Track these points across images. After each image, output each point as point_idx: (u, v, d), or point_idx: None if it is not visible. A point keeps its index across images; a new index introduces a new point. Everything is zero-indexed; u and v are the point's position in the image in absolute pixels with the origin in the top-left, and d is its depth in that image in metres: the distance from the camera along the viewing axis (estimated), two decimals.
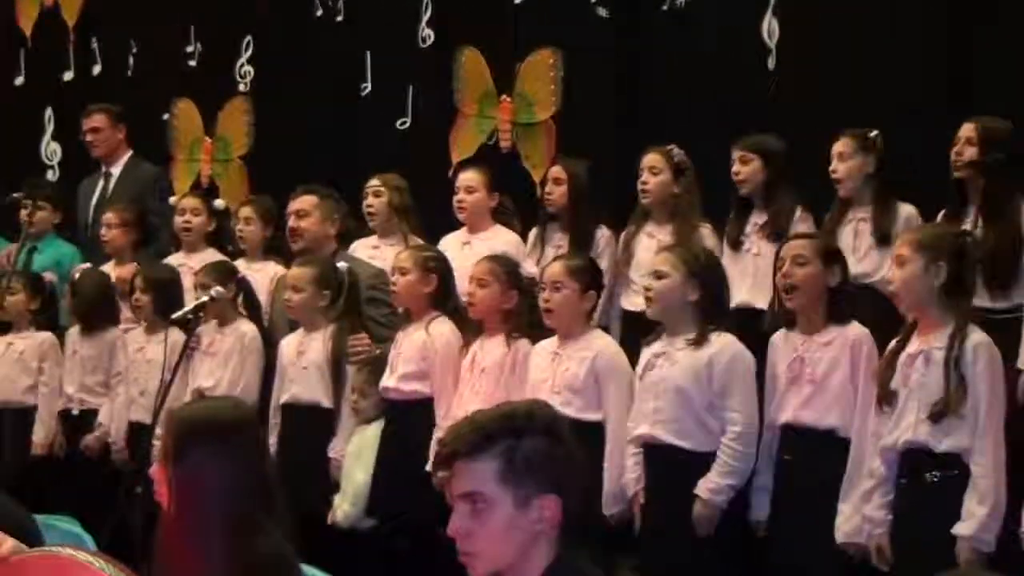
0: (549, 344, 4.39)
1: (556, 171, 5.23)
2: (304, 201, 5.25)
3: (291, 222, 5.26)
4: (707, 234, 4.87)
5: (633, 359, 4.28)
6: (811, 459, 3.96)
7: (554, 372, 4.30)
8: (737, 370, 4.04)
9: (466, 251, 5.16)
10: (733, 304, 4.34)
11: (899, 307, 3.77)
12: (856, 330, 3.99)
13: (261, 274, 5.45)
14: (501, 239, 5.23)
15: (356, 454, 4.72)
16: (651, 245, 4.84)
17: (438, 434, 4.47)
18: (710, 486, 4.00)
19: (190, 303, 4.78)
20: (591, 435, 4.13)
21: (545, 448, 2.19)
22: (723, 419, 4.03)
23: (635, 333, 4.56)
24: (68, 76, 7.43)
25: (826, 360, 3.97)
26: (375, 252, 5.35)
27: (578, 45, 5.84)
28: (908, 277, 3.67)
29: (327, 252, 5.18)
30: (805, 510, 3.94)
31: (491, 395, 4.36)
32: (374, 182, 5.42)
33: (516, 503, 2.18)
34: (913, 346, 3.69)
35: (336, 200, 5.31)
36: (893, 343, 3.76)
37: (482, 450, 2.18)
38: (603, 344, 4.36)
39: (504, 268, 4.54)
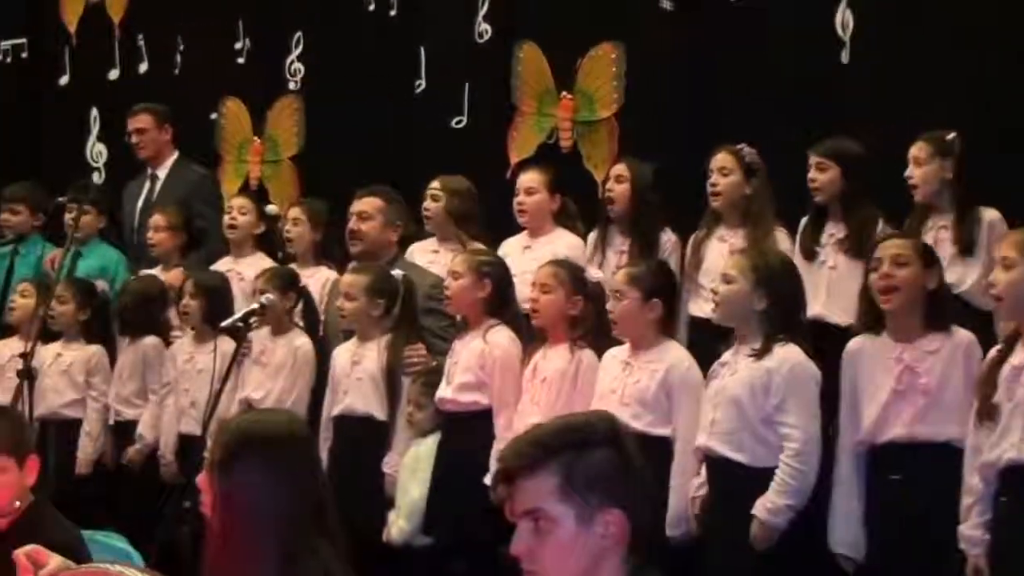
0: (620, 352, 4.37)
1: (618, 169, 5.22)
2: (368, 203, 5.28)
3: (352, 224, 5.29)
4: (782, 238, 4.82)
5: (702, 368, 4.25)
6: (929, 476, 3.85)
7: (624, 383, 4.29)
8: (797, 383, 3.97)
9: (527, 255, 5.17)
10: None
11: (1001, 313, 3.71)
12: (964, 336, 3.89)
13: (312, 280, 5.49)
14: (563, 243, 5.23)
15: (411, 469, 4.72)
16: (722, 249, 4.81)
17: (497, 448, 4.47)
18: (768, 506, 3.96)
19: (241, 310, 4.81)
20: (660, 451, 4.12)
21: (607, 461, 2.17)
22: (781, 434, 3.98)
23: (703, 340, 4.54)
24: (114, 75, 7.50)
25: (939, 369, 3.87)
26: (434, 257, 5.37)
27: (642, 39, 5.82)
28: (1015, 280, 3.59)
29: (386, 258, 5.21)
30: (924, 531, 3.83)
31: (552, 407, 4.35)
32: (434, 185, 5.44)
33: (579, 519, 2.15)
34: (1018, 357, 3.61)
35: (401, 204, 5.34)
36: (994, 353, 3.69)
37: (541, 465, 2.16)
38: (676, 357, 4.32)
39: (569, 273, 4.53)
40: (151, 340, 5.58)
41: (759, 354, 4.01)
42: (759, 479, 3.97)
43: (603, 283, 4.61)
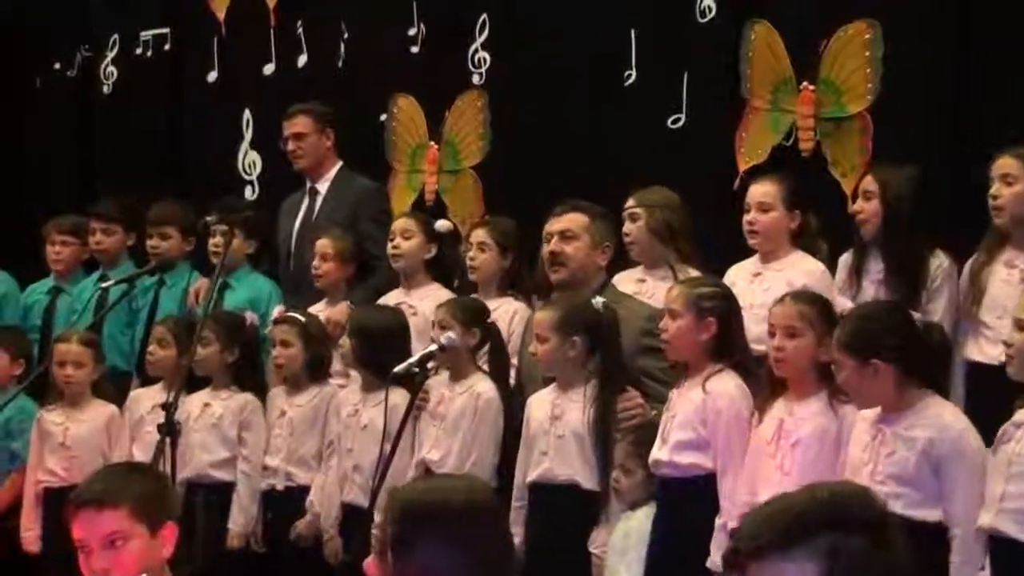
0: (871, 414, 4.29)
1: (865, 182, 5.16)
2: (571, 220, 5.29)
3: (552, 245, 5.30)
4: None
5: (987, 429, 4.13)
6: None
7: (876, 454, 4.22)
8: None
9: (757, 284, 5.15)
10: None
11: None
12: None
13: (497, 314, 5.53)
14: (801, 269, 5.17)
15: (620, 548, 4.71)
16: (1010, 278, 4.73)
17: (724, 521, 4.45)
18: None
19: (416, 352, 4.89)
20: (927, 540, 4.02)
21: (869, 552, 2.12)
22: None
23: (986, 392, 4.44)
24: (269, 69, 7.66)
25: None
26: (639, 287, 5.37)
27: (903, 16, 5.71)
28: None
29: (594, 287, 5.21)
30: None
31: (807, 476, 4.27)
32: (629, 203, 5.45)
33: None
34: None
35: (609, 222, 5.35)
36: None
37: (798, 545, 2.11)
38: (943, 420, 4.22)
39: (818, 311, 4.47)
40: (327, 389, 5.70)
41: None
42: None
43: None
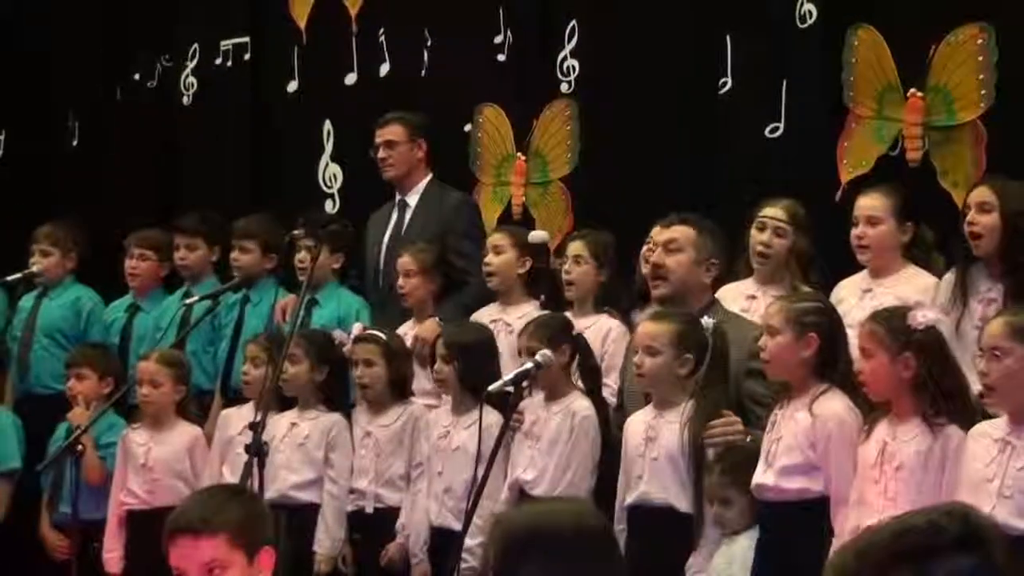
0: (995, 428, 4.23)
1: (981, 194, 5.04)
2: (678, 232, 5.19)
3: (655, 257, 5.21)
4: None
5: None
6: None
7: (1003, 468, 4.15)
8: None
9: (867, 301, 5.04)
10: None
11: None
12: None
13: (591, 331, 5.48)
14: (913, 285, 5.10)
15: (724, 575, 4.65)
16: None
17: (837, 548, 4.28)
18: None
19: (510, 371, 4.82)
20: None
21: (977, 569, 2.04)
22: None
23: None
24: (350, 79, 7.61)
25: None
26: (750, 304, 5.29)
27: (1017, 19, 5.57)
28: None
29: (699, 305, 5.10)
30: None
31: (912, 502, 4.20)
32: (776, 213, 5.34)
33: None
34: None
35: (716, 235, 5.24)
36: None
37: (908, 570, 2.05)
38: None
39: (887, 328, 4.39)
40: (414, 408, 5.66)
41: None
42: None
43: (940, 326, 4.44)
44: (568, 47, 6.86)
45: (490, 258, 5.88)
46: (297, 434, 5.76)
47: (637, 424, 4.91)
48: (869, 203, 5.21)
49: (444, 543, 5.22)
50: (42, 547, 6.27)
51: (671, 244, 5.16)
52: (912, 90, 5.79)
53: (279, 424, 5.71)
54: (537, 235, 6.03)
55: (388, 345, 5.70)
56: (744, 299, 5.30)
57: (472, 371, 5.25)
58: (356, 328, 5.92)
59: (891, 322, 4.42)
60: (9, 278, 7.13)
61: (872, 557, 2.09)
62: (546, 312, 5.56)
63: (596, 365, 5.32)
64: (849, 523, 4.35)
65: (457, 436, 5.37)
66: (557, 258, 5.94)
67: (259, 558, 3.17)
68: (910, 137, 5.79)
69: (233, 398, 6.27)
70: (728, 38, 6.32)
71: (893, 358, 4.33)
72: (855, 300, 5.08)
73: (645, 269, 5.38)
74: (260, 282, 6.53)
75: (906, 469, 4.32)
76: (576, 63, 6.83)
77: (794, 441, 4.50)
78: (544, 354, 4.93)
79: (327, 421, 5.76)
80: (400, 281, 6.04)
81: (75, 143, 8.38)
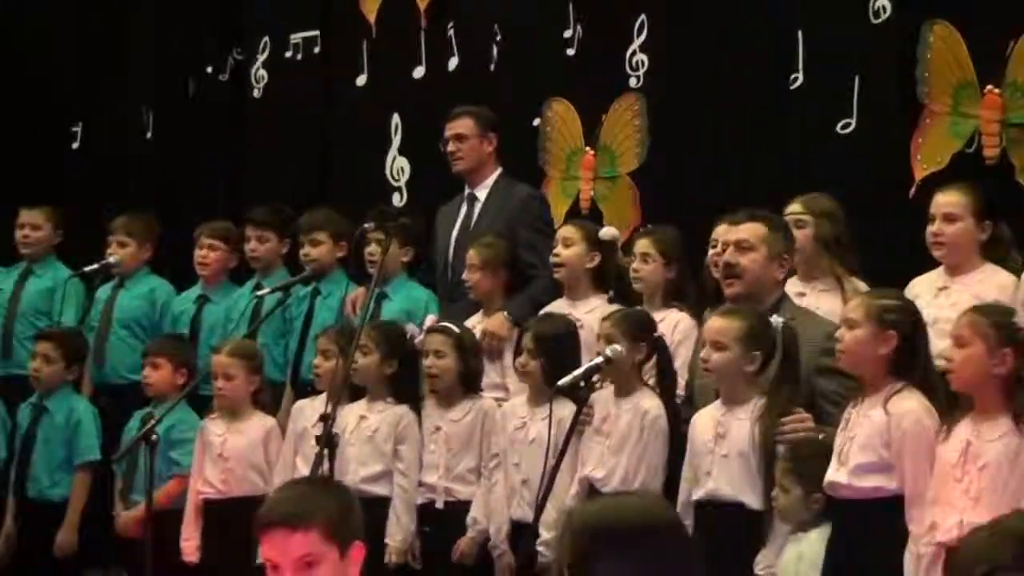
0: None
1: None
2: (749, 230, 5.15)
3: (727, 256, 5.18)
4: None
5: None
6: None
7: None
8: None
9: (943, 299, 5.04)
10: None
11: None
12: None
13: (661, 325, 5.46)
14: (993, 283, 5.07)
15: (793, 572, 4.61)
16: None
17: (916, 548, 4.34)
18: None
19: (582, 365, 4.83)
20: None
21: None
22: None
23: None
24: (419, 73, 7.63)
25: None
26: (800, 301, 5.25)
27: None
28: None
29: (771, 302, 5.08)
30: None
31: (996, 504, 4.16)
32: (794, 208, 5.34)
33: None
34: None
35: (788, 233, 5.21)
36: None
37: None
38: None
39: (991, 321, 4.36)
40: (484, 402, 5.65)
41: None
42: None
43: None
44: (637, 41, 6.85)
45: (559, 250, 5.88)
46: (366, 427, 5.76)
47: (705, 420, 4.89)
48: (947, 200, 5.17)
49: (521, 535, 5.22)
50: (118, 535, 6.32)
51: (743, 243, 5.14)
52: (989, 86, 5.74)
53: (349, 416, 5.72)
54: (608, 231, 6.02)
55: (460, 338, 5.71)
56: (794, 296, 5.24)
57: (557, 365, 5.20)
58: (428, 320, 5.95)
59: (996, 316, 4.39)
60: (87, 269, 7.22)
61: (1013, 550, 2.10)
62: (636, 308, 5.53)
63: (674, 369, 5.30)
64: (925, 522, 4.32)
65: (534, 428, 5.36)
66: (625, 255, 5.94)
67: (351, 552, 3.14)
68: (988, 134, 5.74)
69: (303, 390, 6.29)
70: (800, 33, 6.28)
71: (991, 351, 4.31)
72: (930, 297, 5.04)
73: (715, 273, 5.35)
74: (330, 275, 6.55)
75: (992, 467, 4.27)
76: (645, 58, 6.82)
77: (868, 440, 4.47)
78: (615, 349, 4.94)
79: (395, 414, 5.77)
80: (468, 275, 6.05)
81: (149, 135, 8.46)
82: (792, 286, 5.34)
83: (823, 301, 5.27)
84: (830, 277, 5.26)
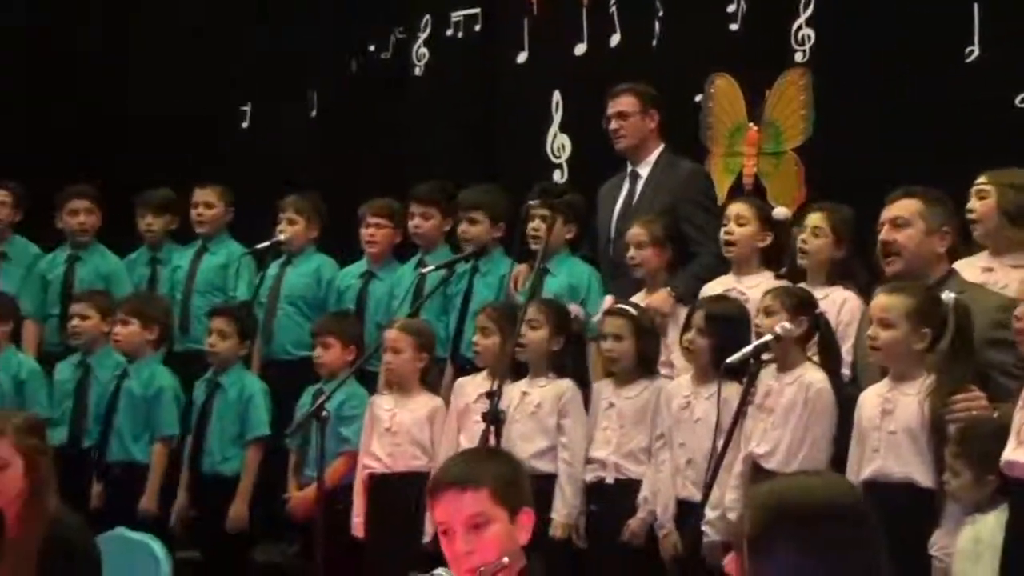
0: None
1: None
2: (903, 207, 5.11)
3: (884, 233, 5.14)
4: None
5: None
6: None
7: None
8: None
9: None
10: None
11: None
12: None
13: (826, 302, 5.44)
14: None
15: (971, 555, 4.52)
16: None
17: None
18: None
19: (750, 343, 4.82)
20: None
21: None
22: None
23: None
24: (580, 49, 7.60)
25: None
26: (986, 277, 5.15)
27: None
28: None
29: (935, 277, 5.02)
30: None
31: None
32: (980, 180, 5.23)
33: None
34: None
35: (946, 206, 5.15)
36: None
37: None
38: None
39: None
40: (658, 381, 5.63)
41: None
42: None
43: None
44: (803, 16, 6.74)
45: (732, 227, 5.85)
46: (529, 403, 5.78)
47: (872, 398, 4.83)
48: None
49: (686, 514, 5.22)
50: (290, 510, 6.42)
51: (898, 220, 5.09)
52: None
53: (512, 393, 5.73)
54: (781, 211, 6.00)
55: (638, 320, 5.71)
56: (981, 272, 5.14)
57: (726, 346, 5.16)
58: (607, 301, 5.95)
59: None
60: (259, 246, 7.35)
61: None
62: (796, 285, 5.48)
63: (837, 345, 5.25)
64: None
65: (699, 407, 5.34)
66: (795, 228, 5.87)
67: (520, 517, 3.21)
68: None
69: (463, 368, 6.33)
70: (976, 5, 6.14)
71: None
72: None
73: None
74: (489, 253, 6.59)
75: None
76: (811, 32, 6.72)
77: None
78: (784, 326, 4.91)
79: (557, 388, 5.78)
80: (631, 252, 6.04)
81: (313, 114, 8.56)
82: (980, 261, 5.24)
83: (1011, 278, 5.08)
84: (1019, 251, 5.14)
